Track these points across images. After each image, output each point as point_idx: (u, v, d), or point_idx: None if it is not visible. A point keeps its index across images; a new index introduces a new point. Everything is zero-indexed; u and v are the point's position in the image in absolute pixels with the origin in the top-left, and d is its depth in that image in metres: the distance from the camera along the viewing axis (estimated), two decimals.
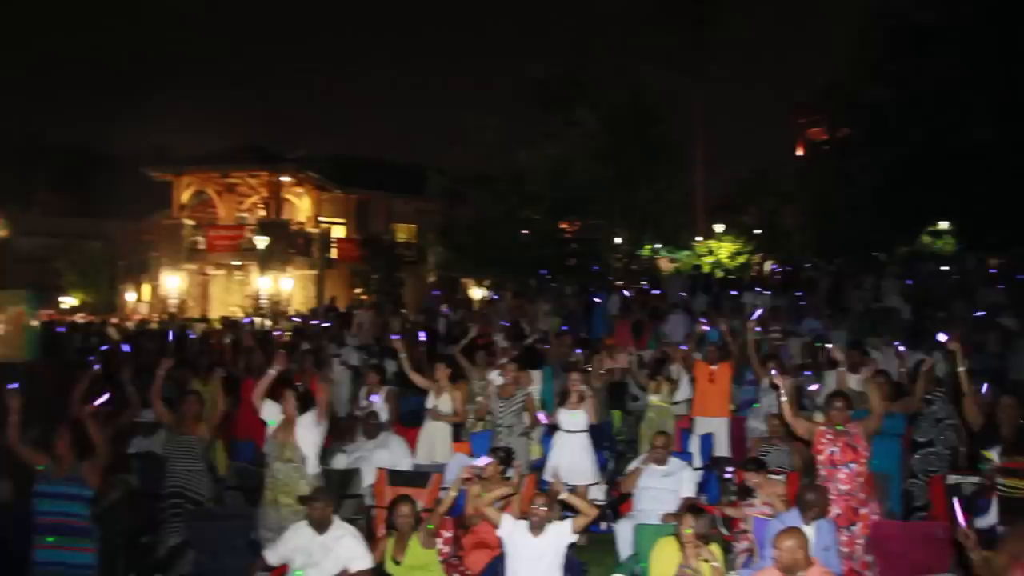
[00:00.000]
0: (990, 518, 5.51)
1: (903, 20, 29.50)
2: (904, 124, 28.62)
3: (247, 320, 19.27)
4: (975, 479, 6.31)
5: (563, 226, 30.27)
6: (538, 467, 8.32)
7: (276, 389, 6.87)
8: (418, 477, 7.66)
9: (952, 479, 6.48)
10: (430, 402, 8.93)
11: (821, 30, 53.11)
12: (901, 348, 9.59)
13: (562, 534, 5.72)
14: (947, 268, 20.73)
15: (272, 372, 6.85)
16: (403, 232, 35.59)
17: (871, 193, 28.09)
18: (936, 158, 26.51)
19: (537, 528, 5.69)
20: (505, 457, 7.09)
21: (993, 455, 5.71)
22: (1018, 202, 24.50)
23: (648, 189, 29.92)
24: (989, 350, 11.81)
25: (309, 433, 6.61)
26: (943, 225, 29.13)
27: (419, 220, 34.38)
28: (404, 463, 8.20)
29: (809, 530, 5.41)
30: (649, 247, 32.00)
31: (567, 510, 6.18)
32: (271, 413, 6.76)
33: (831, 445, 6.13)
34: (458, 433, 9.15)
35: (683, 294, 18.13)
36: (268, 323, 22.88)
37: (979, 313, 13.31)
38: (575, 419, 8.06)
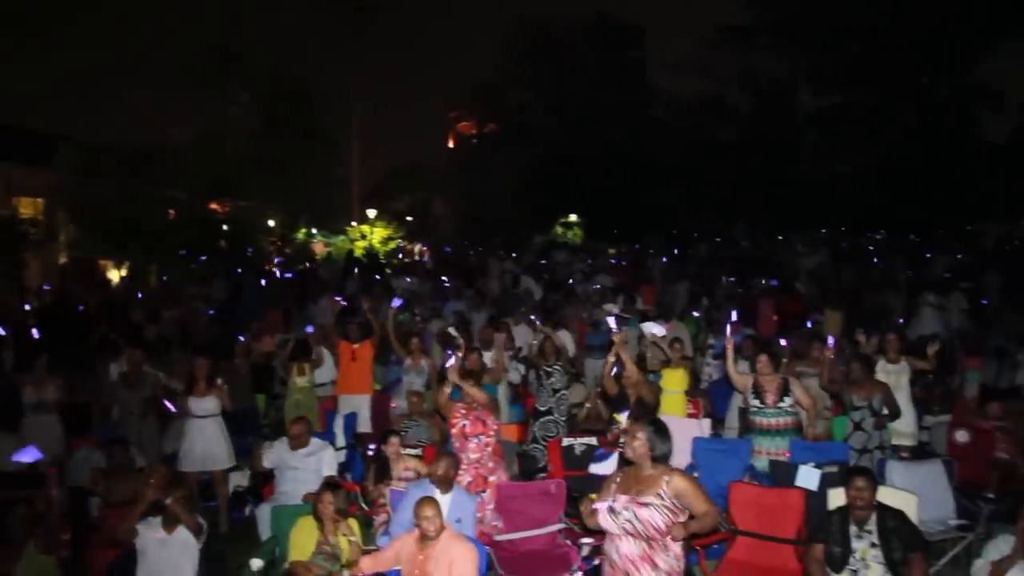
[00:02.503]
0: (608, 468, 6.33)
1: (543, 30, 32.37)
2: (542, 125, 31.46)
3: None
4: (587, 440, 7.17)
5: (213, 207, 28.81)
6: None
7: None
8: None
9: (567, 442, 7.28)
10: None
11: (475, 29, 55.95)
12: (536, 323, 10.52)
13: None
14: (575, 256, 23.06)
15: None
16: (28, 207, 31.27)
17: (512, 186, 30.42)
18: (567, 158, 29.51)
19: (169, 525, 5.42)
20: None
21: (622, 418, 6.53)
22: (630, 202, 28.27)
23: (304, 172, 29.52)
24: (602, 329, 13.35)
25: None
26: (573, 217, 32.47)
27: (49, 194, 30.50)
28: None
29: (445, 499, 5.75)
30: (304, 231, 31.62)
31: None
32: None
33: (463, 419, 6.61)
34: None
35: (336, 278, 18.20)
36: None
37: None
38: (205, 404, 7.78)
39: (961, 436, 7.15)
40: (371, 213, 32.34)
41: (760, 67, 32.46)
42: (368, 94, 38.73)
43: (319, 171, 30.32)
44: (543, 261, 21.43)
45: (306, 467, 6.90)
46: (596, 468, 6.47)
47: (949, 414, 8.15)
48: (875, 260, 18.88)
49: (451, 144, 44.67)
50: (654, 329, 8.56)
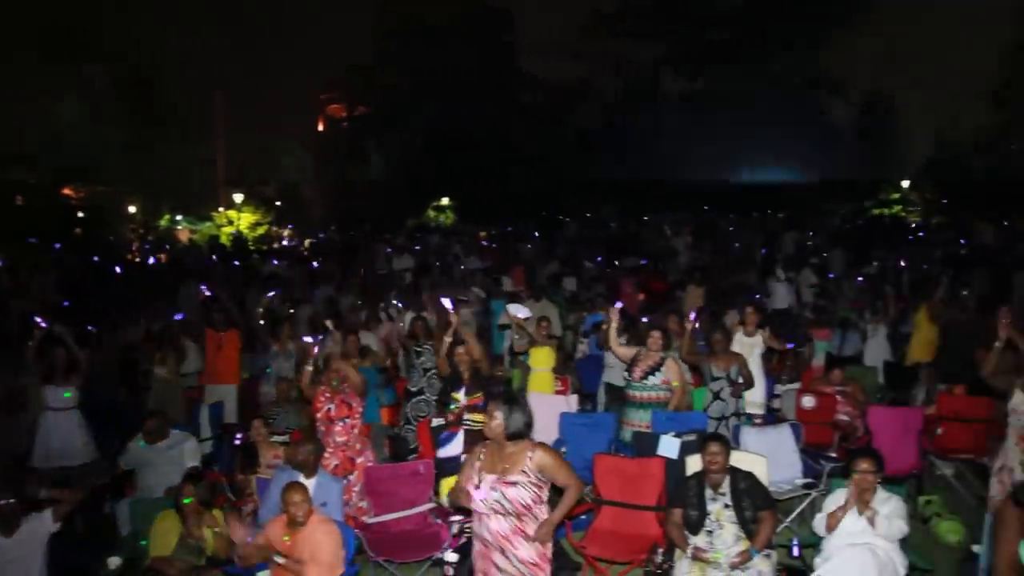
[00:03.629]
0: (455, 448, 6.41)
1: (413, 14, 32.10)
2: (414, 109, 31.28)
3: None
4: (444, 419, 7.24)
5: (67, 192, 27.17)
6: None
7: None
8: None
9: (436, 422, 7.32)
10: None
11: (345, 9, 54.48)
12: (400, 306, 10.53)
13: (40, 527, 5.19)
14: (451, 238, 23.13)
15: None
16: None
17: (384, 170, 30.17)
18: (438, 142, 29.50)
19: (7, 528, 5.10)
20: None
21: (460, 396, 6.61)
22: (501, 185, 28.57)
23: (165, 156, 28.25)
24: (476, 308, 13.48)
25: None
26: (445, 201, 32.47)
27: None
28: None
29: (310, 483, 5.70)
30: (168, 217, 30.29)
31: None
32: None
33: (328, 403, 6.58)
34: None
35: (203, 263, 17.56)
36: None
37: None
38: (64, 397, 7.40)
39: (807, 401, 7.62)
40: (238, 198, 31.32)
41: (625, 52, 33.41)
42: (233, 75, 37.34)
43: (181, 154, 29.10)
44: (416, 246, 21.39)
45: (167, 460, 6.70)
46: (443, 451, 6.52)
47: (798, 382, 8.68)
48: (733, 240, 19.79)
49: (321, 127, 43.66)
50: (518, 312, 8.71)
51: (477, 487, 4.08)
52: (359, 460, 6.47)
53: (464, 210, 30.90)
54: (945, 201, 29.00)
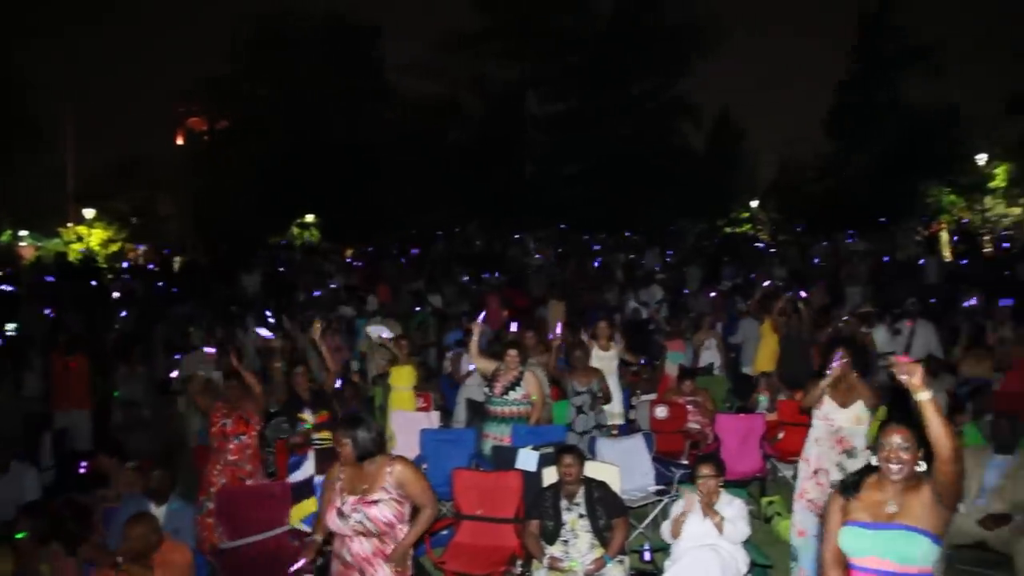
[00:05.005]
0: (307, 471, 6.32)
1: (273, 27, 31.29)
2: (275, 124, 30.53)
3: None
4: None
5: None
6: None
7: None
8: None
9: (292, 441, 7.17)
10: None
11: (206, 20, 52.72)
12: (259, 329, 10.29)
13: None
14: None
15: None
16: None
17: (246, 185, 29.25)
18: (302, 157, 28.90)
19: None
20: None
21: (307, 416, 6.53)
22: (367, 202, 28.35)
23: (6, 168, 26.39)
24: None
25: None
26: (310, 218, 31.83)
27: None
28: None
29: (161, 511, 5.48)
30: (9, 233, 28.23)
31: None
32: None
33: (224, 418, 6.32)
34: None
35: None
36: None
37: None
38: None
39: (660, 412, 7.95)
40: (88, 213, 29.65)
41: (490, 72, 33.82)
42: (88, 87, 35.42)
43: (23, 165, 27.23)
44: (280, 265, 20.90)
45: (6, 494, 6.30)
46: (295, 476, 6.43)
47: (653, 393, 9.04)
48: (595, 256, 20.36)
49: (180, 140, 41.85)
50: (379, 332, 8.71)
51: (339, 510, 4.05)
52: (249, 483, 6.24)
53: (329, 227, 30.45)
54: (790, 220, 31.04)
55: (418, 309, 13.76)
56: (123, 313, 10.20)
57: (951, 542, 5.49)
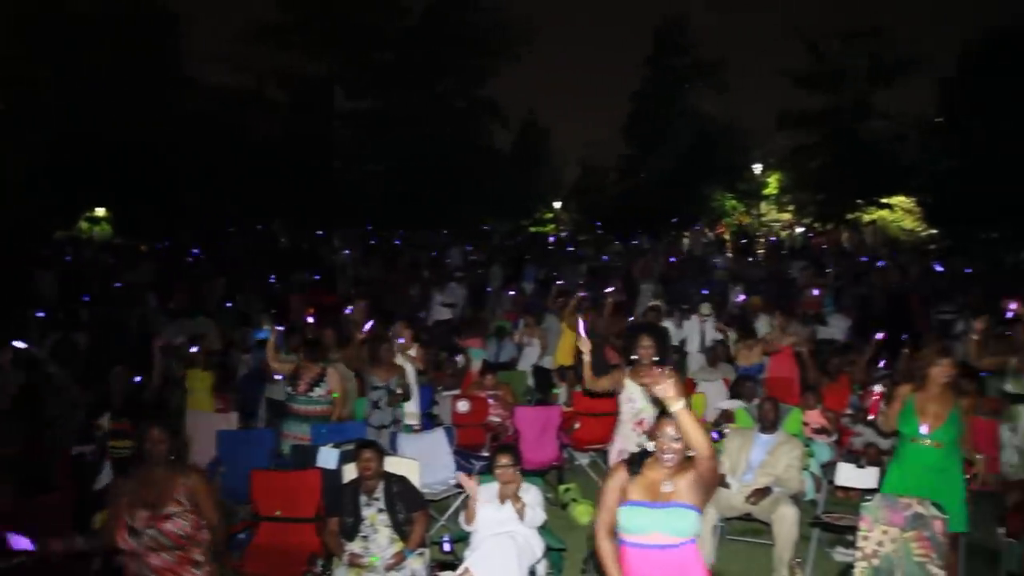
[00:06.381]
0: (105, 479, 5.95)
1: (57, 4, 28.73)
2: (59, 110, 28.10)
3: None
4: (92, 447, 6.71)
5: None
6: None
7: None
8: None
9: (76, 450, 6.74)
10: None
11: None
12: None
13: None
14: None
15: None
16: None
17: (27, 175, 26.71)
18: (91, 147, 26.78)
19: None
20: None
21: (104, 422, 6.16)
22: (164, 196, 26.68)
23: None
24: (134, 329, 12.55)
25: None
26: (100, 212, 29.60)
27: None
28: None
29: None
30: None
31: None
32: None
33: None
34: None
35: None
36: None
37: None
38: None
39: (462, 406, 8.13)
40: None
41: (296, 66, 32.89)
42: None
43: None
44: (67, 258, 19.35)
45: None
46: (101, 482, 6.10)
47: (456, 389, 9.20)
48: (401, 254, 20.39)
49: None
50: (176, 334, 8.36)
51: (131, 528, 3.88)
52: None
53: (122, 222, 28.43)
54: (592, 221, 32.54)
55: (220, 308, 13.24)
56: None
57: (722, 515, 6.02)
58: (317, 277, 17.24)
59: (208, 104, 31.71)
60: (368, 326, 8.14)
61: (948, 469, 4.99)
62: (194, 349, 8.73)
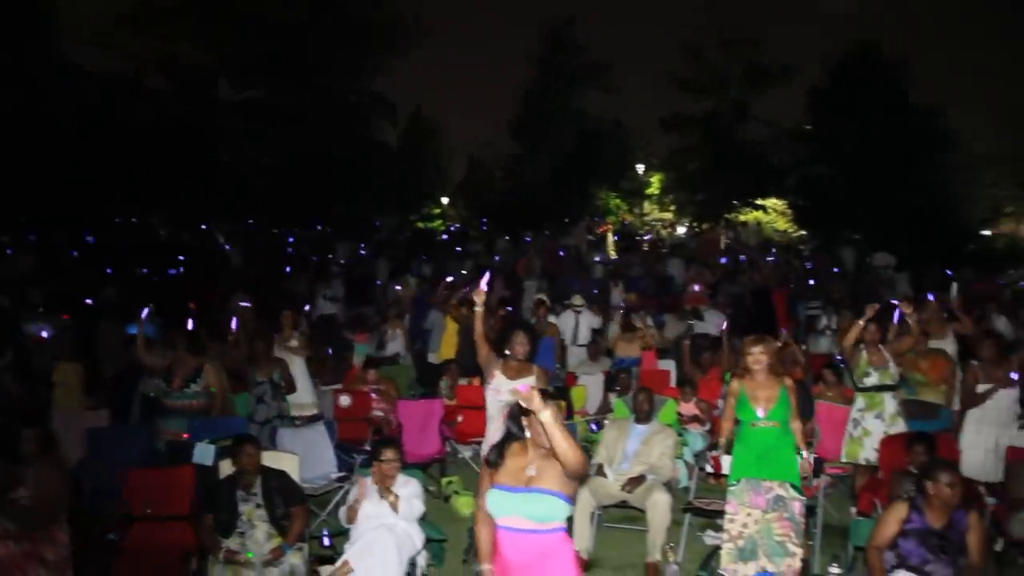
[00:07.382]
0: None
1: None
2: None
3: None
4: None
5: None
6: None
7: None
8: None
9: None
10: None
11: None
12: None
13: None
14: None
15: None
16: None
17: None
18: None
19: None
20: None
21: None
22: (33, 185, 25.09)
23: None
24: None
25: None
26: None
27: None
28: None
29: None
30: None
31: None
32: None
33: None
34: None
35: None
36: None
37: None
38: None
39: (344, 400, 8.14)
40: None
41: (179, 53, 31.62)
42: None
43: None
44: None
45: None
46: None
47: (338, 383, 9.19)
48: (288, 249, 20.05)
49: None
50: (39, 331, 8.03)
51: None
52: None
53: None
54: (478, 217, 32.73)
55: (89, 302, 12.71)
56: None
57: (599, 503, 6.26)
58: (195, 272, 16.74)
59: (85, 89, 30.01)
60: (233, 324, 8.03)
61: (786, 444, 5.35)
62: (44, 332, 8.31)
